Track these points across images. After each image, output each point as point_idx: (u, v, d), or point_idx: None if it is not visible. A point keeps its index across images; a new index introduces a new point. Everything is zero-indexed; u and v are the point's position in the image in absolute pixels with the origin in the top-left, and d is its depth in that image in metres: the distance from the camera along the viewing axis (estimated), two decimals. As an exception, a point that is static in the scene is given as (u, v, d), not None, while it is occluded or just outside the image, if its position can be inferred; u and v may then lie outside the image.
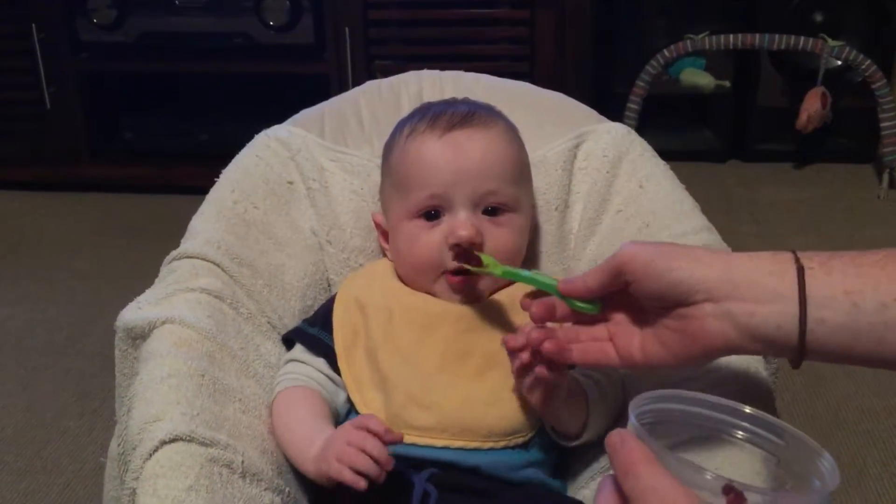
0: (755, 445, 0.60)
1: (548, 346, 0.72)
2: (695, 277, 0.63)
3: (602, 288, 0.69)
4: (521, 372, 0.77)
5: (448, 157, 0.87)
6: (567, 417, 0.81)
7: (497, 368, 0.82)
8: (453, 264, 0.86)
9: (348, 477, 0.73)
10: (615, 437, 0.54)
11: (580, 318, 0.73)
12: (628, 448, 0.52)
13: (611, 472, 0.55)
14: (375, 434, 0.74)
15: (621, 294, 0.69)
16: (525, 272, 0.80)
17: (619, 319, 0.71)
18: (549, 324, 0.74)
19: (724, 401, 0.61)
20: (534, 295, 0.76)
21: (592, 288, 0.70)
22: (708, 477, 0.50)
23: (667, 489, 0.49)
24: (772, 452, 0.60)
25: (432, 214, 0.88)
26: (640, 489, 0.50)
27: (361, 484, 0.73)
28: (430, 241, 0.87)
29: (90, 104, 2.47)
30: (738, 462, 0.63)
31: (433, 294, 0.89)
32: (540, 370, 0.74)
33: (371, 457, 0.73)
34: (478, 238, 0.85)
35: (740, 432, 0.61)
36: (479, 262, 0.85)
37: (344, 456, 0.74)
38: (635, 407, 0.57)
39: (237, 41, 2.31)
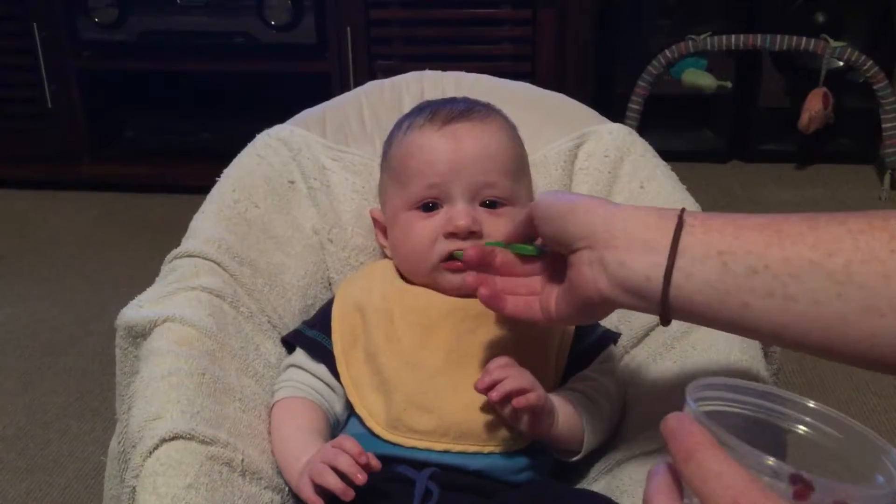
0: (813, 439, 0.57)
1: (483, 291, 0.74)
2: (579, 224, 0.65)
3: (524, 228, 0.74)
4: (500, 404, 0.77)
5: (446, 148, 0.88)
6: (563, 438, 0.81)
7: None
8: (446, 252, 0.86)
9: (307, 493, 0.74)
10: (673, 420, 0.49)
11: (524, 271, 0.76)
12: (688, 431, 0.48)
13: (652, 461, 0.52)
14: (348, 453, 0.74)
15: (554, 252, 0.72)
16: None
17: (548, 274, 0.74)
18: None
19: (783, 392, 0.58)
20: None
21: (519, 229, 0.75)
22: (770, 463, 0.47)
23: (732, 474, 0.46)
24: (831, 447, 0.56)
25: (430, 206, 0.88)
26: (702, 474, 0.46)
27: None
28: (426, 230, 0.88)
29: (91, 103, 2.46)
30: (795, 454, 0.62)
31: (435, 285, 0.88)
32: (518, 401, 0.75)
33: (342, 471, 0.73)
34: (475, 227, 0.86)
35: (799, 426, 0.57)
36: None
37: (314, 472, 0.74)
38: (692, 392, 0.53)
39: (239, 40, 2.31)
